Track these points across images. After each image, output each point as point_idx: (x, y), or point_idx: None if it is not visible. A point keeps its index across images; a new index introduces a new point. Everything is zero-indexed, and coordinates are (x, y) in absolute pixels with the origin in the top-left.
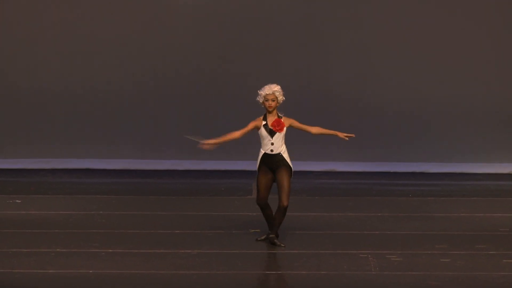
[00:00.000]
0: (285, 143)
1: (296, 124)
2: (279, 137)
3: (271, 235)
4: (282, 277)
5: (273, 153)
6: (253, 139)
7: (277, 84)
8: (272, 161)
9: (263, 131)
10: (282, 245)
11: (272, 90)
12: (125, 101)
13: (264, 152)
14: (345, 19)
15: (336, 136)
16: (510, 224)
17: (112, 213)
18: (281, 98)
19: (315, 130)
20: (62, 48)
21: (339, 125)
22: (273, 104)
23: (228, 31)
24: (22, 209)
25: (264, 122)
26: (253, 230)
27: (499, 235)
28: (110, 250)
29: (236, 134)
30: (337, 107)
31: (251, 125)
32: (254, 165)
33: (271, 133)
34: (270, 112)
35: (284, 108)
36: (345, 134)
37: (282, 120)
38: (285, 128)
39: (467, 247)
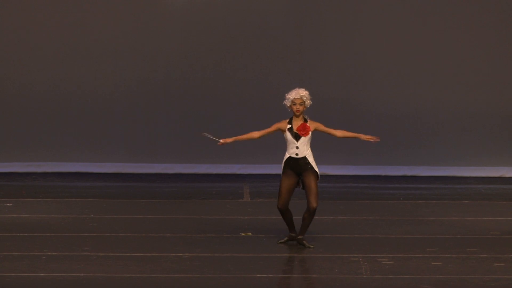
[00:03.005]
0: (310, 147)
1: (321, 127)
2: (304, 141)
3: (299, 237)
4: (273, 280)
5: (298, 157)
6: (245, 144)
7: (304, 89)
8: (297, 165)
9: (288, 135)
10: (311, 246)
11: (300, 94)
12: (117, 105)
13: (289, 155)
14: (341, 21)
15: (360, 138)
16: (501, 228)
17: (104, 217)
18: (308, 102)
19: (340, 133)
20: (53, 53)
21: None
22: (301, 108)
23: (219, 35)
24: (14, 213)
25: (289, 126)
26: (244, 234)
27: (490, 238)
28: (101, 254)
29: (255, 134)
30: (328, 110)
31: (273, 127)
32: (245, 169)
33: (296, 137)
34: (297, 116)
35: (277, 111)
36: (370, 137)
37: (307, 124)
38: (310, 132)
39: (458, 250)
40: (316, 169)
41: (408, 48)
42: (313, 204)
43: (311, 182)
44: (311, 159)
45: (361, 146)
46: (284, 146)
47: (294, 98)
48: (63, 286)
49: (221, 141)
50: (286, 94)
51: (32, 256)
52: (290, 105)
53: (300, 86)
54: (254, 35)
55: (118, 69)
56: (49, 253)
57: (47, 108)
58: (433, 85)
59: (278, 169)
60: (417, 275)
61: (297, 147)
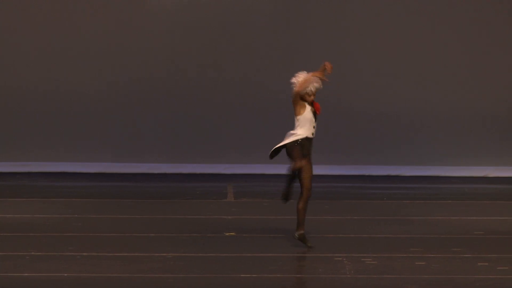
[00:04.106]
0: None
1: None
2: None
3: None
4: (258, 280)
5: (313, 136)
6: (230, 143)
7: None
8: (309, 146)
9: (309, 114)
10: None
11: (316, 87)
12: (102, 105)
13: (306, 135)
14: (328, 21)
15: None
16: (485, 227)
17: (88, 217)
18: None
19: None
20: (39, 53)
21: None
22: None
23: (206, 35)
24: None
25: (309, 106)
26: (228, 233)
27: (474, 238)
28: (86, 254)
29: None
30: None
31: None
32: (229, 169)
33: (315, 116)
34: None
35: (266, 111)
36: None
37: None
38: None
39: (443, 250)
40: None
41: (393, 48)
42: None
43: (310, 168)
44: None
45: (346, 145)
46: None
47: (311, 90)
48: (47, 286)
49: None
50: (295, 79)
51: (16, 256)
52: (304, 94)
53: (288, 86)
54: (242, 35)
55: (104, 69)
56: (33, 253)
57: (32, 108)
58: (417, 86)
59: (262, 169)
60: (401, 275)
61: (314, 127)
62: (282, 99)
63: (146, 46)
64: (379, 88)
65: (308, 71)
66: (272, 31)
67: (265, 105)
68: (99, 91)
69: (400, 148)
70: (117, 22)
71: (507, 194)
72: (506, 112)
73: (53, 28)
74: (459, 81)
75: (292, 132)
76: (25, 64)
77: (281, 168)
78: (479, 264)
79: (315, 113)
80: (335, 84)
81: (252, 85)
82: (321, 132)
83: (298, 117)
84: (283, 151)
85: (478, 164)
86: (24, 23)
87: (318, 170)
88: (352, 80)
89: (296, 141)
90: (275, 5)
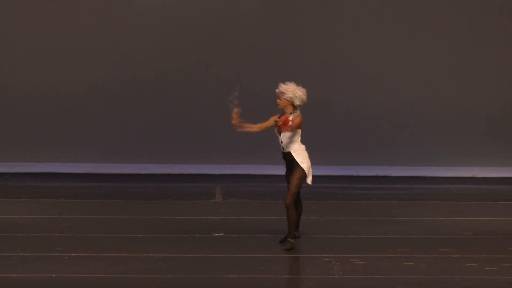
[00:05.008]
0: (299, 143)
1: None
2: (286, 136)
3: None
4: (246, 280)
5: (284, 151)
6: (218, 144)
7: (296, 84)
8: (287, 160)
9: (276, 129)
10: (285, 248)
11: (280, 88)
12: (90, 105)
13: (281, 151)
14: (317, 21)
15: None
16: (473, 228)
17: (76, 217)
18: (289, 96)
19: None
20: (27, 53)
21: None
22: (280, 102)
23: (193, 35)
24: None
25: (277, 120)
26: (216, 234)
27: (462, 238)
28: (74, 254)
29: (253, 127)
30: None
31: (271, 120)
32: (217, 169)
33: (279, 130)
34: (285, 111)
35: (252, 111)
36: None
37: (290, 118)
38: (288, 125)
39: (431, 250)
40: (302, 167)
41: (381, 48)
42: (285, 200)
43: (292, 178)
44: (296, 154)
45: (334, 146)
46: (257, 145)
47: (277, 91)
48: (35, 286)
49: (235, 111)
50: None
51: (4, 256)
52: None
53: (276, 86)
54: (229, 35)
55: (91, 69)
56: (21, 254)
57: (20, 108)
58: (405, 86)
59: (250, 169)
60: (389, 275)
61: (281, 141)
62: (271, 100)
63: (134, 46)
64: (367, 88)
65: (305, 71)
66: (261, 32)
67: (254, 105)
68: (87, 91)
69: (388, 148)
70: (104, 22)
71: (495, 194)
72: (495, 112)
73: (43, 29)
74: (447, 82)
75: None
76: (12, 64)
77: (270, 169)
78: (467, 264)
79: (279, 128)
80: (324, 83)
81: (241, 85)
82: (309, 132)
83: None
84: None
85: (466, 164)
86: (12, 23)
87: None
88: (340, 80)
89: None
90: (274, 5)
